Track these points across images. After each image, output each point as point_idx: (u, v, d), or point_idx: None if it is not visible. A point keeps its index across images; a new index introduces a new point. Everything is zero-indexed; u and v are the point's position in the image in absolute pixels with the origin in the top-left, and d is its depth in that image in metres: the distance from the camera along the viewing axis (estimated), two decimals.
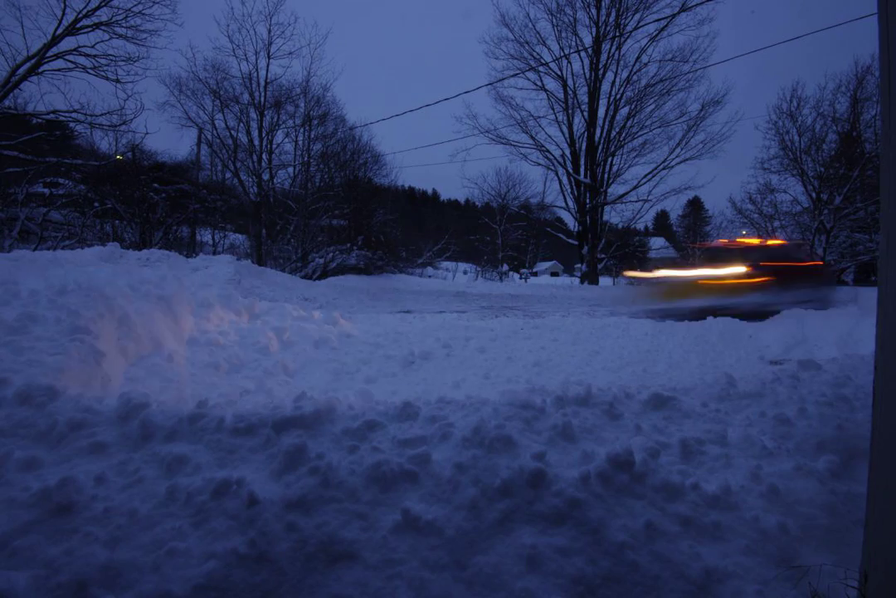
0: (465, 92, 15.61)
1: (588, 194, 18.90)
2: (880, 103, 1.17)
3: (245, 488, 1.55)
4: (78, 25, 11.75)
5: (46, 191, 15.82)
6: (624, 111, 18.55)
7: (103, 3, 11.69)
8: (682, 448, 1.88)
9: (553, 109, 18.93)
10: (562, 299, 14.73)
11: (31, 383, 2.00)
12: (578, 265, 19.35)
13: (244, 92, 16.36)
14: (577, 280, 20.67)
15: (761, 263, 9.08)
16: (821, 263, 13.46)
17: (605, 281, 21.48)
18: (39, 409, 1.89)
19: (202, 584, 1.30)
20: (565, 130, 19.04)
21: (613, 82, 18.35)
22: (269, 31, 16.09)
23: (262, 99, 16.39)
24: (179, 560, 1.36)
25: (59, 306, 3.00)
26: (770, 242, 11.73)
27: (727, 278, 8.77)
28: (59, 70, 11.95)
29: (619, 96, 18.39)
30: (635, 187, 18.93)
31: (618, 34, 17.67)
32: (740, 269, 8.77)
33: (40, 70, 11.73)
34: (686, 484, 1.66)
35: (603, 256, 20.10)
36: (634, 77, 18.11)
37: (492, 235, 27.44)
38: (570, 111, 18.84)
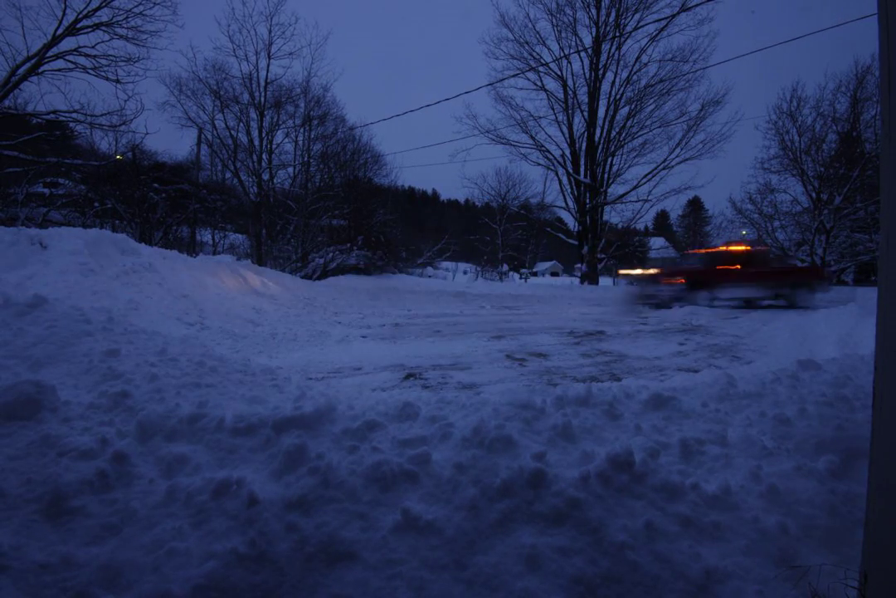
0: (466, 92, 15.66)
1: (588, 194, 18.92)
2: (880, 103, 1.17)
3: (245, 488, 1.55)
4: (78, 26, 11.77)
5: (46, 191, 15.84)
6: (624, 111, 18.61)
7: (104, 4, 11.70)
8: (682, 448, 1.88)
9: (553, 109, 18.98)
10: (562, 299, 14.74)
11: None
12: (578, 265, 19.37)
13: (244, 92, 16.40)
14: (577, 280, 20.67)
15: None
16: None
17: (604, 281, 21.48)
18: None
19: (202, 584, 1.30)
20: (565, 130, 19.09)
21: (613, 82, 18.40)
22: (270, 32, 16.15)
23: (263, 99, 16.41)
24: (179, 560, 1.36)
25: None
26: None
27: None
28: (59, 70, 11.97)
29: (619, 96, 18.43)
30: (635, 187, 18.98)
31: (618, 34, 17.69)
32: None
33: (40, 70, 11.75)
34: (686, 484, 1.66)
35: (603, 256, 20.12)
36: (634, 77, 18.17)
37: (492, 235, 27.47)
38: (570, 111, 18.87)
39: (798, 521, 1.56)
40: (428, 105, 14.28)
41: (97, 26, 11.90)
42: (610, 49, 18.09)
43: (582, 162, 19.02)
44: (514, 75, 17.90)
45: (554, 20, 17.92)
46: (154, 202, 16.23)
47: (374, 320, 9.73)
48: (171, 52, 14.04)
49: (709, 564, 1.41)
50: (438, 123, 20.71)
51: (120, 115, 12.42)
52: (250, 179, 16.68)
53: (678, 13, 16.58)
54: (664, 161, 18.44)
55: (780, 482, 1.69)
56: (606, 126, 18.74)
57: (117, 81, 12.26)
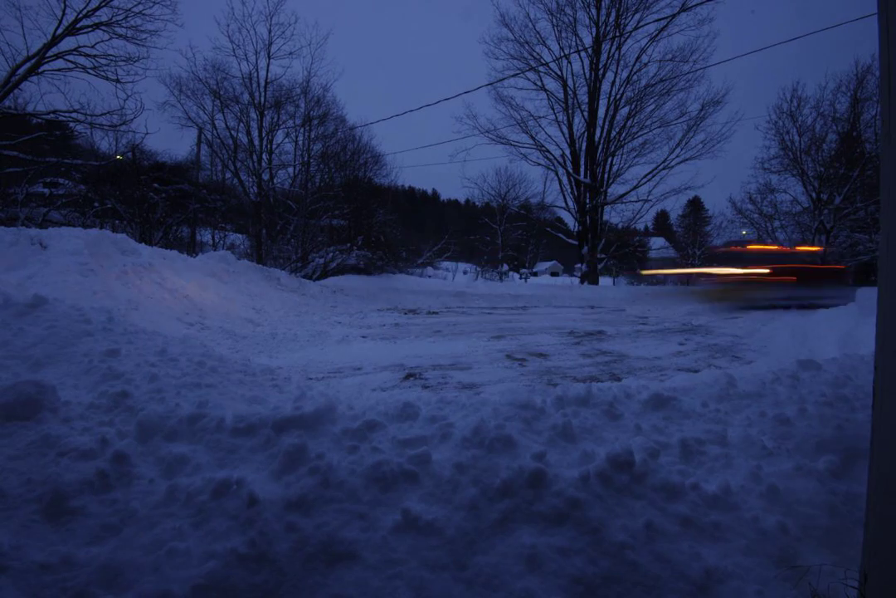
0: (466, 92, 15.67)
1: (588, 194, 18.91)
2: (880, 103, 1.17)
3: (245, 488, 1.55)
4: (78, 25, 11.76)
5: (46, 191, 15.84)
6: (624, 111, 18.58)
7: (103, 4, 11.69)
8: (682, 448, 1.89)
9: (553, 109, 18.96)
10: (562, 299, 14.74)
11: None
12: (578, 265, 19.36)
13: (244, 92, 16.39)
14: (577, 280, 20.66)
15: None
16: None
17: (604, 281, 21.50)
18: None
19: (202, 584, 1.30)
20: (565, 130, 19.07)
21: (613, 82, 18.38)
22: (270, 32, 16.12)
23: (263, 99, 16.40)
24: (179, 560, 1.36)
25: None
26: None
27: None
28: (59, 70, 11.96)
29: (619, 96, 18.41)
30: (635, 187, 18.96)
31: (618, 34, 17.68)
32: None
33: (40, 70, 11.74)
34: (686, 484, 1.66)
35: (603, 256, 20.11)
36: (634, 77, 18.14)
37: (492, 235, 27.48)
38: (570, 111, 18.86)
39: (798, 521, 1.56)
40: (428, 105, 14.26)
41: (97, 26, 11.89)
42: (610, 49, 18.08)
43: (582, 162, 19.01)
44: (514, 75, 17.89)
45: (554, 20, 17.91)
46: (154, 202, 16.23)
47: (375, 319, 9.73)
48: (170, 52, 14.03)
49: (709, 564, 1.41)
50: (438, 123, 20.71)
51: (120, 115, 12.42)
52: (250, 179, 16.66)
53: (678, 13, 16.57)
54: (664, 161, 18.43)
55: (780, 482, 1.69)
56: (606, 126, 18.73)
57: (117, 81, 12.26)
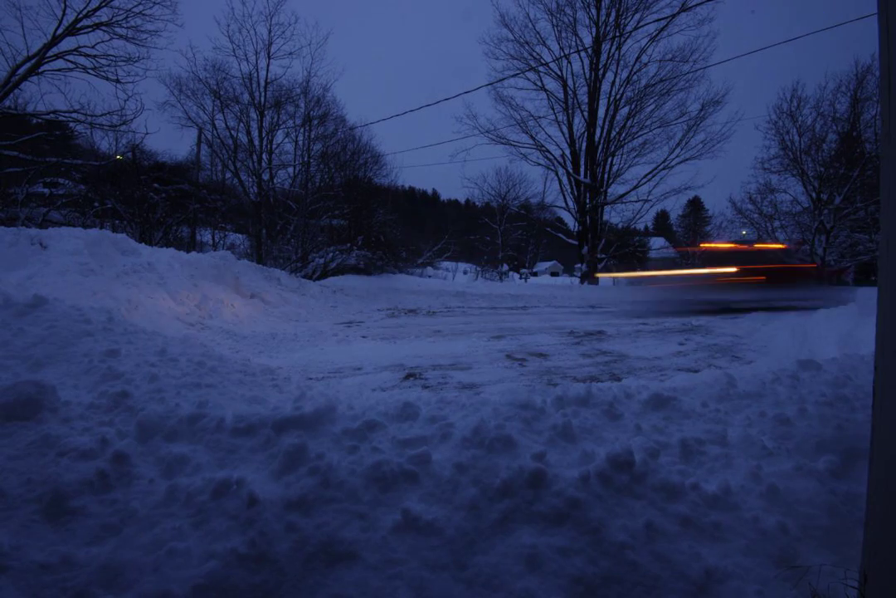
0: (465, 92, 15.70)
1: (588, 194, 18.92)
2: (880, 103, 1.17)
3: (245, 488, 1.55)
4: (78, 26, 11.77)
5: (46, 191, 15.84)
6: (624, 111, 18.58)
7: (104, 4, 11.70)
8: (682, 448, 1.89)
9: (553, 109, 18.97)
10: (562, 299, 14.74)
11: None
12: (578, 265, 19.35)
13: (244, 92, 16.39)
14: (577, 280, 20.67)
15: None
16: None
17: (604, 281, 21.49)
18: None
19: (202, 584, 1.30)
20: (565, 130, 19.08)
21: (613, 82, 18.38)
22: (270, 32, 16.13)
23: (263, 99, 16.40)
24: (179, 560, 1.36)
25: None
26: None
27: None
28: (59, 70, 11.97)
29: (619, 96, 18.41)
30: (635, 187, 18.97)
31: (618, 34, 17.68)
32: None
33: (40, 70, 11.75)
34: (686, 484, 1.66)
35: (603, 256, 20.11)
36: (634, 77, 18.15)
37: (492, 235, 27.50)
38: (570, 111, 18.86)
39: (798, 521, 1.56)
40: (428, 105, 14.32)
41: (97, 26, 11.90)
42: (610, 49, 18.09)
43: (582, 162, 19.01)
44: (514, 75, 17.90)
45: (554, 20, 17.92)
46: (154, 202, 16.22)
47: (375, 319, 9.73)
48: (170, 52, 14.05)
49: (709, 564, 1.41)
50: (438, 123, 20.74)
51: (120, 115, 12.43)
52: (250, 179, 16.66)
53: (678, 13, 16.58)
54: (664, 161, 18.43)
55: (780, 482, 1.69)
56: (606, 126, 18.73)
57: (117, 81, 12.27)
